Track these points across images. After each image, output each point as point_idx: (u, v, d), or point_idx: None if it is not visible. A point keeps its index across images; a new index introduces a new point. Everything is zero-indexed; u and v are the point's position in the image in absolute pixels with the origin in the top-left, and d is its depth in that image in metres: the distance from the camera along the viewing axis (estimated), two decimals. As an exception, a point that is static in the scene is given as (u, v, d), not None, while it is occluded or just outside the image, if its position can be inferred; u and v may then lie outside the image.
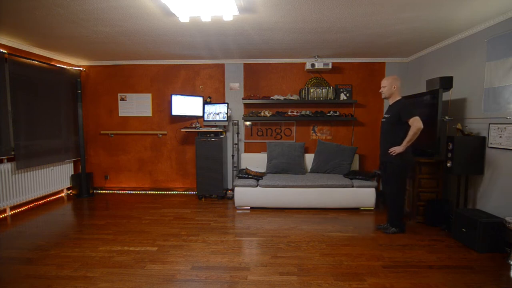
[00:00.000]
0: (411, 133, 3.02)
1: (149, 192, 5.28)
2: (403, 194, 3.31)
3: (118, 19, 3.06)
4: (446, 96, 3.65)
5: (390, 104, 3.29)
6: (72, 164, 5.10)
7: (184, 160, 5.24)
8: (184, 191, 5.26)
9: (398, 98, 3.23)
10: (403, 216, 3.34)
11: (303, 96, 4.88)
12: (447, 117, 3.57)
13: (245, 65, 5.03)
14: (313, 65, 4.66)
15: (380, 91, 3.30)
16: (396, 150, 3.09)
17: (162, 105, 5.18)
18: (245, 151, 5.15)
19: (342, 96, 4.93)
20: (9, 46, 3.88)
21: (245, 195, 4.19)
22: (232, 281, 2.33)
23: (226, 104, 4.72)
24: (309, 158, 4.86)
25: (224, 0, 2.49)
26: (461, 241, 3.06)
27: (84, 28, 3.34)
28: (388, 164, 3.22)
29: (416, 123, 3.00)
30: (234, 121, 5.04)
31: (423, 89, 3.94)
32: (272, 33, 3.52)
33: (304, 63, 4.84)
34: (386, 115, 3.27)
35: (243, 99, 4.94)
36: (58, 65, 4.70)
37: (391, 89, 3.22)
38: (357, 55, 4.70)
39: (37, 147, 4.26)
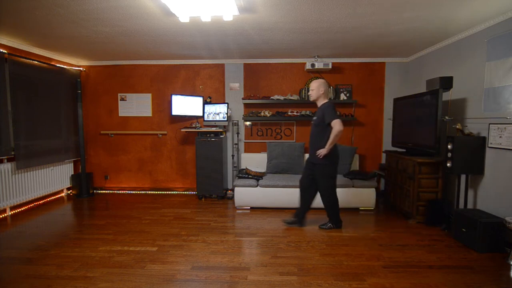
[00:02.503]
0: (332, 135, 3.09)
1: (149, 192, 5.28)
2: (334, 193, 3.39)
3: (118, 19, 3.06)
4: (446, 96, 3.65)
5: (318, 106, 3.35)
6: (72, 164, 5.10)
7: (184, 160, 5.24)
8: (184, 191, 5.26)
9: (324, 101, 3.30)
10: (339, 213, 3.46)
11: (303, 96, 4.88)
12: (447, 117, 3.57)
13: (245, 65, 5.03)
14: (313, 65, 4.66)
15: (308, 93, 3.36)
16: (321, 152, 3.16)
17: (162, 105, 5.18)
18: (245, 151, 5.15)
19: (342, 96, 4.93)
20: (9, 46, 3.88)
21: (245, 195, 4.19)
22: (232, 281, 2.33)
23: (226, 104, 4.72)
24: (309, 158, 4.86)
25: (224, 0, 2.49)
26: (461, 241, 3.06)
27: (84, 28, 3.34)
28: (316, 166, 3.30)
29: (337, 126, 3.06)
30: (234, 121, 5.04)
31: (423, 89, 3.94)
32: (272, 33, 3.52)
33: (304, 63, 4.84)
34: (314, 118, 3.35)
35: (243, 99, 4.94)
36: (58, 65, 4.70)
37: (318, 92, 3.28)
38: (357, 55, 4.70)
39: (37, 147, 4.26)
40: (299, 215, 3.53)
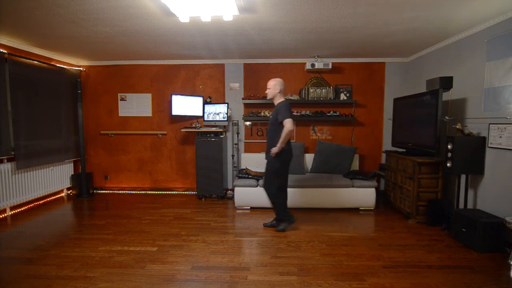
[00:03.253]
0: (283, 134, 3.11)
1: (149, 192, 5.28)
2: (280, 191, 3.39)
3: (118, 19, 3.06)
4: (446, 96, 3.65)
5: (275, 105, 3.37)
6: (72, 164, 5.10)
7: (184, 160, 5.24)
8: (184, 191, 5.26)
9: (281, 100, 3.31)
10: (287, 210, 3.46)
11: (303, 96, 4.88)
12: (447, 117, 3.57)
13: (245, 65, 5.03)
14: (313, 65, 4.66)
15: (266, 92, 3.40)
16: (273, 150, 3.18)
17: (162, 105, 5.18)
18: (245, 151, 5.15)
19: (342, 96, 4.93)
20: (9, 46, 3.88)
21: (245, 195, 4.19)
22: (232, 281, 2.33)
23: (226, 104, 4.72)
24: (309, 158, 4.86)
25: (224, 0, 2.49)
26: (461, 241, 3.06)
27: (84, 28, 3.34)
28: (269, 164, 3.33)
29: (287, 125, 3.08)
30: (234, 121, 5.04)
31: (423, 89, 3.94)
32: (272, 33, 3.52)
33: (304, 63, 4.84)
34: (271, 117, 3.37)
35: (243, 99, 4.94)
36: (58, 65, 4.70)
37: (274, 91, 3.30)
38: (357, 55, 4.70)
39: (37, 147, 4.26)
40: (286, 218, 3.45)
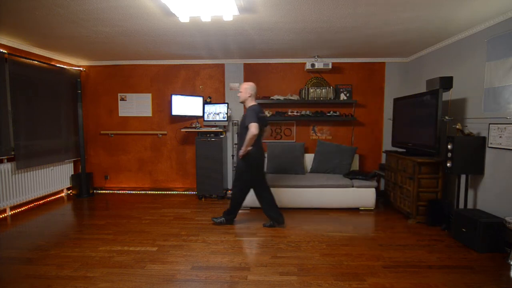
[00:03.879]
0: (247, 138, 3.17)
1: (149, 192, 5.28)
2: (241, 193, 3.49)
3: (118, 19, 3.06)
4: (446, 96, 3.65)
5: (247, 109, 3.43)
6: (72, 164, 5.10)
7: (184, 160, 5.24)
8: (184, 191, 5.26)
9: (251, 103, 3.38)
10: (236, 210, 3.57)
11: (303, 96, 4.88)
12: (447, 117, 3.57)
13: (245, 65, 5.03)
14: (313, 65, 4.66)
15: (238, 94, 3.47)
16: (240, 153, 3.28)
17: (162, 105, 5.18)
18: (245, 151, 5.14)
19: (342, 96, 4.93)
20: (9, 46, 3.88)
21: (245, 195, 4.18)
22: (232, 281, 2.33)
23: (226, 104, 4.72)
24: (309, 158, 4.86)
25: (224, 0, 2.49)
26: (461, 241, 3.06)
27: (84, 28, 3.34)
28: (237, 166, 3.46)
29: (251, 129, 3.13)
30: (234, 121, 5.04)
31: (423, 89, 3.94)
32: (272, 33, 3.52)
33: (304, 63, 4.84)
34: (242, 120, 3.44)
35: (243, 99, 4.93)
36: (58, 65, 4.70)
37: (245, 95, 3.38)
38: (357, 55, 4.70)
39: (37, 147, 4.26)
40: (271, 216, 3.52)
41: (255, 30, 3.43)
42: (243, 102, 3.45)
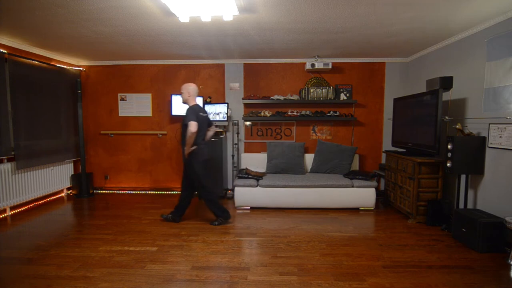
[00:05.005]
0: (187, 136, 3.28)
1: (149, 192, 5.28)
2: (209, 188, 3.54)
3: (118, 19, 3.06)
4: (446, 96, 3.66)
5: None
6: (72, 164, 5.10)
7: (184, 160, 5.24)
8: (184, 191, 5.25)
9: (192, 104, 3.47)
10: (221, 206, 3.61)
11: (303, 96, 4.88)
12: (447, 117, 3.58)
13: (245, 65, 5.03)
14: (313, 65, 4.66)
15: (180, 96, 3.57)
16: (185, 153, 3.38)
17: (162, 105, 5.18)
18: (245, 151, 5.15)
19: (342, 96, 4.93)
20: (9, 46, 3.88)
21: (245, 195, 4.19)
22: (232, 281, 2.33)
23: (226, 104, 4.72)
24: (309, 158, 4.86)
25: (224, 0, 2.49)
26: (461, 241, 3.06)
27: (84, 28, 3.34)
28: (187, 166, 3.49)
29: (190, 127, 3.23)
30: (234, 121, 5.04)
31: (423, 89, 3.94)
32: (272, 33, 3.52)
33: (304, 63, 4.84)
34: (183, 119, 3.50)
35: (243, 99, 4.94)
36: (58, 65, 4.70)
37: (186, 95, 3.48)
38: (357, 55, 4.70)
39: (37, 147, 4.26)
40: (217, 210, 3.59)
41: (255, 30, 3.43)
42: (185, 102, 3.52)
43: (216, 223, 3.57)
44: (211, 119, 4.77)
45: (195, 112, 3.34)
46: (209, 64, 5.06)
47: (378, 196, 4.54)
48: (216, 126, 4.81)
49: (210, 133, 3.67)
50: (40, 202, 4.50)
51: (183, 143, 3.42)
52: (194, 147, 3.35)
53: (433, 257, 2.76)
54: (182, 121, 3.44)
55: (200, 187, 3.51)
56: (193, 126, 3.23)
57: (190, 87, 3.49)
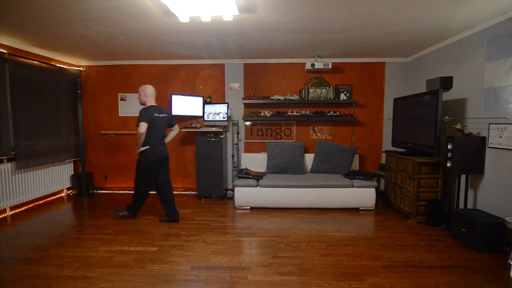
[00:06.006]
0: (137, 136, 3.37)
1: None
2: (143, 189, 3.68)
3: (118, 19, 3.06)
4: (446, 96, 3.66)
5: None
6: (72, 164, 5.10)
7: (184, 160, 5.24)
8: (184, 191, 5.26)
9: (150, 104, 3.53)
10: (139, 206, 3.79)
11: (303, 96, 4.88)
12: (447, 117, 3.58)
13: (245, 65, 5.03)
14: (313, 65, 4.66)
15: (138, 98, 3.63)
16: (137, 151, 3.47)
17: (162, 105, 5.15)
18: (245, 151, 5.15)
19: (342, 96, 4.93)
20: (9, 46, 3.88)
21: (245, 195, 4.19)
22: (232, 281, 2.33)
23: (226, 104, 4.72)
24: (309, 158, 4.87)
25: (224, 0, 2.49)
26: (461, 241, 3.06)
27: (84, 28, 3.34)
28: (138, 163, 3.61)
29: (138, 128, 3.33)
30: (234, 121, 5.04)
31: (423, 89, 3.94)
32: (272, 33, 3.52)
33: (304, 63, 4.85)
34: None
35: (243, 99, 4.94)
36: (58, 65, 4.70)
37: (143, 97, 3.54)
38: (357, 55, 4.70)
39: (37, 147, 4.26)
40: (168, 212, 3.72)
41: (255, 30, 3.43)
42: (143, 104, 3.56)
43: (120, 213, 3.76)
44: (212, 119, 4.82)
45: (148, 113, 3.42)
46: (209, 64, 5.06)
47: (378, 196, 4.54)
48: (216, 126, 4.82)
49: (174, 133, 3.75)
50: (40, 202, 4.50)
51: (138, 143, 3.51)
52: (146, 147, 3.43)
53: (433, 257, 2.76)
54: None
55: (137, 180, 3.63)
56: (141, 127, 3.31)
57: (148, 89, 3.54)
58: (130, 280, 2.34)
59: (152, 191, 3.76)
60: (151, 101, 3.55)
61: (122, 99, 5.21)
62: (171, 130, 3.73)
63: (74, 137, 5.00)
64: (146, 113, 3.41)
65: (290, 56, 4.78)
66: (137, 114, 5.12)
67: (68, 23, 3.18)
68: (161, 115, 3.53)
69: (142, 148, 3.43)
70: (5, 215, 3.89)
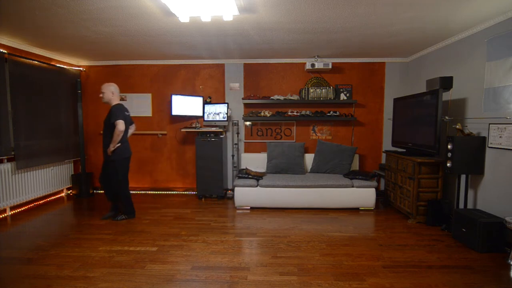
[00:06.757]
0: (114, 134, 3.40)
1: (149, 192, 5.28)
2: (127, 186, 3.72)
3: (118, 19, 3.06)
4: (446, 96, 3.66)
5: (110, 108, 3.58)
6: (72, 164, 5.10)
7: (184, 160, 5.24)
8: (184, 191, 5.26)
9: (115, 103, 3.57)
10: (132, 204, 3.82)
11: (303, 96, 4.88)
12: (447, 117, 3.58)
13: (245, 65, 5.03)
14: (313, 65, 4.66)
15: (100, 96, 3.60)
16: (109, 150, 3.46)
17: (162, 105, 5.18)
18: (245, 151, 5.15)
19: (342, 96, 4.93)
20: (9, 46, 3.88)
21: (245, 195, 4.19)
22: (232, 281, 2.33)
23: (226, 104, 4.72)
24: (309, 158, 4.87)
25: (224, 0, 2.49)
26: (461, 241, 3.06)
27: (84, 28, 3.34)
28: (109, 163, 3.57)
29: (118, 126, 3.37)
30: (234, 121, 5.04)
31: (423, 89, 3.94)
32: (272, 33, 3.52)
33: (304, 63, 4.85)
34: (106, 118, 3.58)
35: (243, 99, 4.94)
36: (58, 65, 4.70)
37: (109, 95, 3.55)
38: (357, 55, 4.70)
39: (37, 147, 4.26)
40: (129, 210, 3.78)
41: (255, 30, 3.43)
42: (108, 102, 3.57)
43: (119, 218, 3.73)
44: (212, 119, 4.82)
45: (121, 111, 3.46)
46: (209, 64, 5.06)
47: (378, 196, 4.54)
48: (216, 126, 4.82)
49: (131, 131, 3.84)
50: (40, 202, 4.50)
51: (104, 142, 3.55)
52: (118, 145, 3.48)
53: (433, 257, 2.76)
54: (106, 119, 3.53)
55: (119, 183, 3.60)
56: (122, 125, 3.38)
57: (113, 87, 3.57)
58: (130, 280, 2.34)
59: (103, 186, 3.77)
60: (116, 100, 3.59)
61: (122, 99, 5.21)
62: (130, 128, 3.79)
63: (74, 137, 5.00)
64: (120, 111, 3.46)
65: (290, 56, 4.78)
66: (137, 114, 5.23)
67: (68, 23, 3.18)
68: (127, 113, 3.65)
69: (116, 146, 3.45)
70: (5, 215, 3.89)
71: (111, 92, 3.55)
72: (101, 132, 5.22)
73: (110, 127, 3.46)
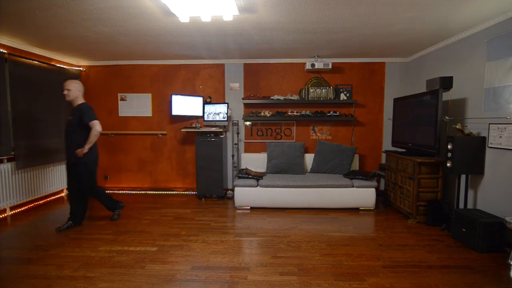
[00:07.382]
0: (91, 135, 3.25)
1: (149, 192, 5.28)
2: (99, 187, 3.61)
3: (118, 19, 3.06)
4: (446, 96, 3.66)
5: (74, 106, 3.39)
6: (72, 164, 5.09)
7: (184, 160, 5.24)
8: (184, 191, 5.26)
9: (81, 101, 3.39)
10: (111, 196, 3.72)
11: (303, 96, 4.88)
12: (447, 117, 3.58)
13: (245, 65, 5.03)
14: (313, 65, 4.66)
15: (64, 93, 3.41)
16: (82, 151, 3.25)
17: (162, 105, 5.18)
18: (245, 151, 5.15)
19: (342, 96, 4.93)
20: (9, 46, 3.88)
21: (245, 195, 4.19)
22: (232, 281, 2.33)
23: (226, 104, 4.72)
24: (309, 158, 4.86)
25: (224, 0, 2.49)
26: (461, 241, 3.06)
27: (84, 28, 3.34)
28: (76, 166, 3.34)
29: (96, 127, 3.25)
30: (234, 121, 5.04)
31: (423, 89, 3.94)
32: (272, 33, 3.52)
33: (304, 63, 4.85)
34: (70, 117, 3.37)
35: (243, 99, 4.94)
36: (58, 65, 4.70)
37: (76, 92, 3.37)
38: (357, 55, 4.70)
39: (37, 147, 4.26)
40: (77, 217, 3.51)
41: (255, 30, 3.43)
42: (72, 101, 3.38)
43: (115, 216, 3.71)
44: (212, 119, 4.82)
45: (93, 110, 3.34)
46: (209, 64, 5.06)
47: (378, 196, 4.54)
48: (216, 126, 4.82)
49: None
50: (40, 202, 4.49)
51: (70, 144, 3.29)
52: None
53: (433, 257, 2.76)
54: (74, 119, 3.28)
55: (91, 185, 3.43)
56: (99, 126, 3.27)
57: (78, 84, 3.41)
58: (130, 280, 2.34)
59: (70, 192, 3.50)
60: (81, 99, 3.41)
61: (122, 99, 5.21)
62: None
63: (74, 137, 4.99)
64: (93, 110, 3.32)
65: (290, 56, 4.78)
66: (137, 114, 5.24)
67: (68, 23, 3.18)
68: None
69: (88, 147, 3.26)
70: (5, 215, 3.89)
71: (78, 90, 3.37)
72: (101, 132, 5.26)
73: (81, 127, 3.24)
